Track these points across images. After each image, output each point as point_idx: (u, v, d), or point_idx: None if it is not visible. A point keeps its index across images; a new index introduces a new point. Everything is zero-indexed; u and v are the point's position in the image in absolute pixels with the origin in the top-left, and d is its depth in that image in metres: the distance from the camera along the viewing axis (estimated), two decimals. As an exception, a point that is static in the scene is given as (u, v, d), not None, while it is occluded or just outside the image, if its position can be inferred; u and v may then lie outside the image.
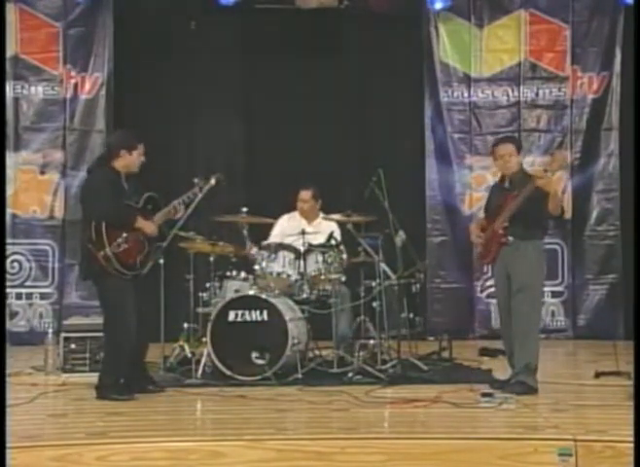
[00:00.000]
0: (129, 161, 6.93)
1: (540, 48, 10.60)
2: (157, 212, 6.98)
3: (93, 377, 7.07)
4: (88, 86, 10.34)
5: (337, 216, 8.27)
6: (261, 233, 8.67)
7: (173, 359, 8.06)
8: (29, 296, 10.28)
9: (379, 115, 10.54)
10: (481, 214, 7.83)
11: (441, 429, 5.89)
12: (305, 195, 8.81)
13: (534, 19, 10.58)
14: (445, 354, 8.62)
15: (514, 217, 6.89)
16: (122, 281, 6.76)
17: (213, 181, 7.43)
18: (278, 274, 7.99)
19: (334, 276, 8.00)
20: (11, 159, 10.17)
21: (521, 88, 10.58)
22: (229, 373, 7.49)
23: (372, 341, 8.00)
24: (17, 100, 10.27)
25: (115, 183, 6.87)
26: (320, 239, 8.27)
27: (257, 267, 8.00)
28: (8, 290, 10.01)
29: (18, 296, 10.25)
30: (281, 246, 8.14)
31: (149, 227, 6.89)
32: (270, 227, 8.80)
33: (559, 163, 7.07)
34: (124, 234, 6.74)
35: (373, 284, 8.00)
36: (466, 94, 10.64)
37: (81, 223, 7.07)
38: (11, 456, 5.14)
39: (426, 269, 9.20)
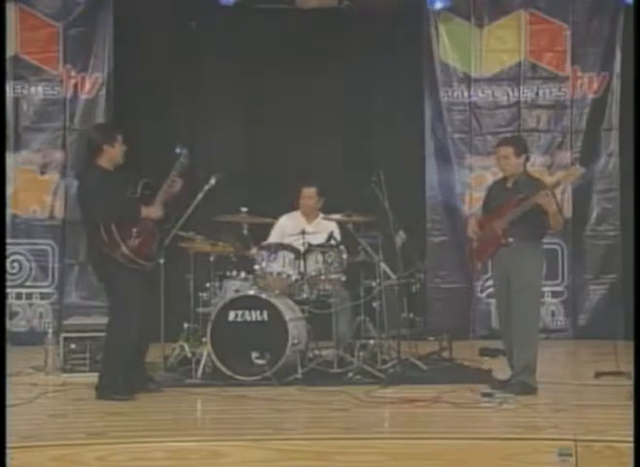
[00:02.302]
0: (113, 154, 6.90)
1: (540, 48, 10.59)
2: (155, 196, 6.95)
3: (93, 377, 7.07)
4: (88, 86, 10.34)
5: (337, 216, 8.27)
6: (261, 233, 8.67)
7: (173, 359, 8.06)
8: (29, 296, 10.28)
9: (379, 115, 10.54)
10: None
11: (441, 429, 5.90)
12: (310, 191, 8.82)
13: (534, 19, 10.57)
14: (445, 354, 8.61)
15: (515, 220, 6.91)
16: (134, 278, 6.75)
17: (213, 181, 7.44)
18: (278, 274, 7.98)
19: (334, 276, 8.00)
20: (11, 159, 10.17)
21: (521, 88, 10.58)
22: (229, 373, 7.49)
23: (372, 341, 8.00)
24: (17, 100, 10.26)
25: (108, 181, 6.84)
26: (320, 239, 8.27)
27: (257, 267, 8.00)
28: (8, 290, 10.00)
29: (18, 296, 10.25)
30: (281, 246, 8.14)
31: (154, 211, 6.89)
32: (270, 227, 8.80)
33: (574, 178, 7.07)
34: (135, 229, 6.75)
35: (374, 284, 7.99)
36: (466, 94, 10.64)
37: (82, 225, 7.07)
38: (11, 456, 5.14)
39: (426, 268, 9.20)
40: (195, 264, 8.26)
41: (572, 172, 7.15)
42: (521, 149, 7.12)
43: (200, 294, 8.21)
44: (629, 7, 10.18)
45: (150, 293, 7.06)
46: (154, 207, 6.90)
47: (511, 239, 6.94)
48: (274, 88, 10.44)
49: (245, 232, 8.23)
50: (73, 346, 7.91)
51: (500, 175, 7.33)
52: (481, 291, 10.52)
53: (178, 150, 7.19)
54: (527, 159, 7.16)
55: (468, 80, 10.64)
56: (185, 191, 7.17)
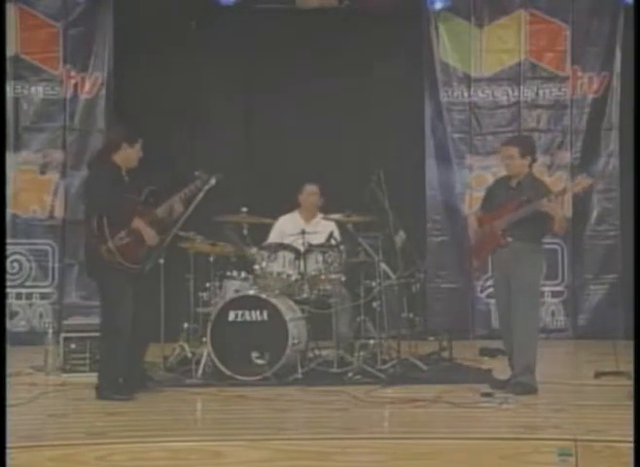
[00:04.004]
0: (130, 154, 6.91)
1: (540, 48, 10.58)
2: (158, 206, 6.95)
3: (93, 377, 7.08)
4: (88, 86, 10.34)
5: (336, 216, 8.27)
6: (261, 233, 8.67)
7: (173, 359, 8.06)
8: (29, 296, 10.28)
9: (379, 115, 10.53)
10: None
11: (441, 429, 5.90)
12: (313, 188, 8.84)
13: (534, 19, 10.57)
14: (445, 354, 8.61)
15: (515, 222, 6.89)
16: (124, 278, 6.75)
17: (213, 181, 7.43)
18: (278, 274, 7.98)
19: (334, 276, 8.00)
20: (11, 159, 10.16)
21: (521, 88, 10.57)
22: (229, 373, 7.50)
23: (372, 341, 8.00)
24: (17, 100, 10.26)
25: (116, 177, 6.87)
26: (320, 239, 8.27)
27: (257, 267, 8.00)
28: (8, 290, 9.99)
29: (18, 296, 10.25)
30: (281, 246, 8.14)
31: (148, 234, 6.83)
32: (270, 227, 8.80)
33: (581, 188, 7.06)
34: (125, 230, 6.74)
35: (374, 284, 7.99)
36: (466, 94, 10.63)
37: (83, 221, 7.07)
38: (11, 456, 5.14)
39: (426, 268, 9.20)
40: (194, 264, 8.26)
41: (579, 182, 7.10)
42: (527, 150, 7.07)
43: (200, 294, 8.21)
44: (629, 7, 10.17)
45: (145, 293, 7.03)
46: (150, 231, 6.81)
47: (509, 239, 6.93)
48: (274, 87, 10.44)
49: (245, 232, 8.23)
50: (73, 346, 7.91)
51: (504, 173, 7.30)
52: (481, 291, 10.52)
53: (197, 173, 7.19)
54: (534, 160, 7.10)
55: (468, 80, 10.63)
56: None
